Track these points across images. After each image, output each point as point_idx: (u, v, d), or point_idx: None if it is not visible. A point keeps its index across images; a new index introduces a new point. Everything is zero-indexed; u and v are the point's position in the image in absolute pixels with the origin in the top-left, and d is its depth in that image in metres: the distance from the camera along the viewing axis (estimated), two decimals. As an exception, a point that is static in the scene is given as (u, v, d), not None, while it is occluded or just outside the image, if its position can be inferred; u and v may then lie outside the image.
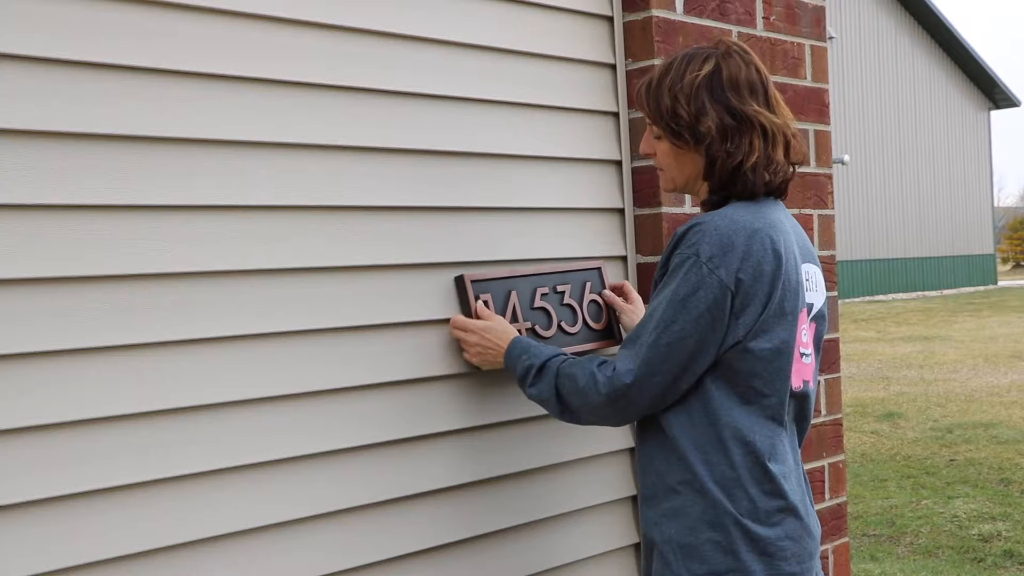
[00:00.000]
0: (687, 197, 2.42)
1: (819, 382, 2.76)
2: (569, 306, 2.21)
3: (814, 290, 1.90)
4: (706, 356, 1.76)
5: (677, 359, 1.75)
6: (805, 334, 1.85)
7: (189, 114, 1.75)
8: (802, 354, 1.85)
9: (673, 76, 1.85)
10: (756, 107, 1.82)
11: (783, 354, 1.78)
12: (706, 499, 1.77)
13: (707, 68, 1.83)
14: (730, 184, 1.83)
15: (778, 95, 1.89)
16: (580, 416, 1.89)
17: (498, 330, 2.01)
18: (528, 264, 2.21)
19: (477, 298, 2.06)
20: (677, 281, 1.75)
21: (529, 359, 1.93)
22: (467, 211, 2.13)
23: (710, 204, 1.87)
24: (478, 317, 2.04)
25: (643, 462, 1.89)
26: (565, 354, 1.95)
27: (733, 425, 1.77)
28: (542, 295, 2.16)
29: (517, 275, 2.14)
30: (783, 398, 1.80)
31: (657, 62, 2.35)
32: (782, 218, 1.86)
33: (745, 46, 1.90)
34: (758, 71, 1.86)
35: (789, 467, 1.83)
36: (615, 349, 2.21)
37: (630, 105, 2.42)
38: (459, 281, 2.07)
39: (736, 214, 1.78)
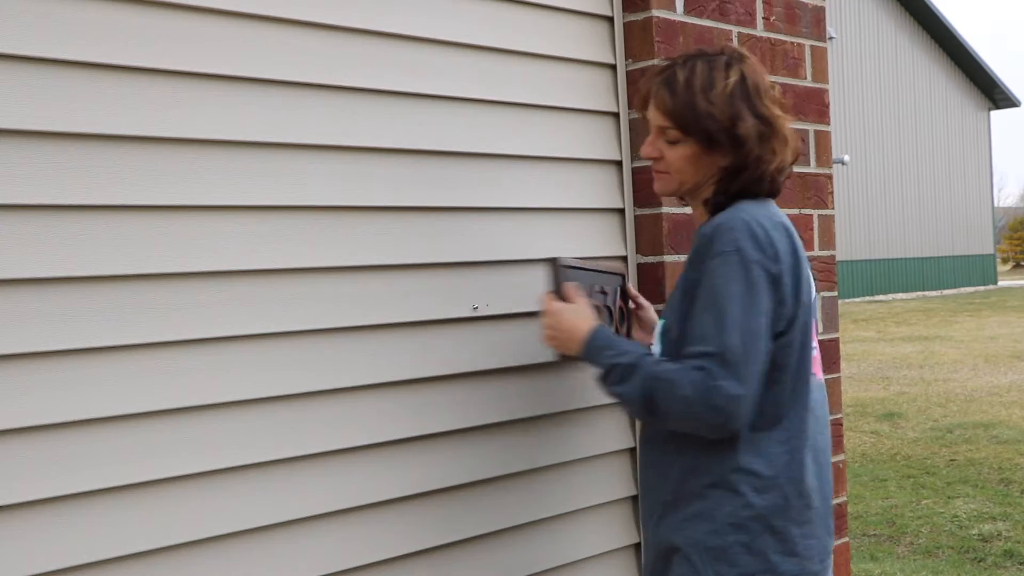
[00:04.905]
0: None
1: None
2: (608, 308, 2.12)
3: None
4: (768, 352, 1.73)
5: (758, 357, 1.71)
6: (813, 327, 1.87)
7: (189, 114, 1.75)
8: (812, 347, 1.85)
9: (702, 82, 1.82)
10: (775, 111, 1.84)
11: (806, 346, 1.79)
12: (735, 501, 1.74)
13: (735, 73, 1.83)
14: (754, 186, 1.83)
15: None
16: (669, 419, 1.78)
17: (582, 314, 1.90)
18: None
19: (565, 281, 1.96)
20: (730, 281, 1.71)
21: (616, 355, 1.82)
22: (467, 211, 2.13)
23: (714, 205, 1.85)
24: (567, 300, 1.94)
25: (659, 468, 1.85)
26: (651, 352, 1.85)
27: (771, 421, 1.75)
28: (596, 292, 2.08)
29: (590, 268, 2.07)
30: (808, 387, 1.79)
31: (657, 62, 2.35)
32: (784, 215, 1.87)
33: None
34: (764, 75, 1.88)
35: (824, 460, 1.83)
36: None
37: (630, 105, 2.42)
38: (551, 264, 1.97)
39: (754, 211, 1.78)
